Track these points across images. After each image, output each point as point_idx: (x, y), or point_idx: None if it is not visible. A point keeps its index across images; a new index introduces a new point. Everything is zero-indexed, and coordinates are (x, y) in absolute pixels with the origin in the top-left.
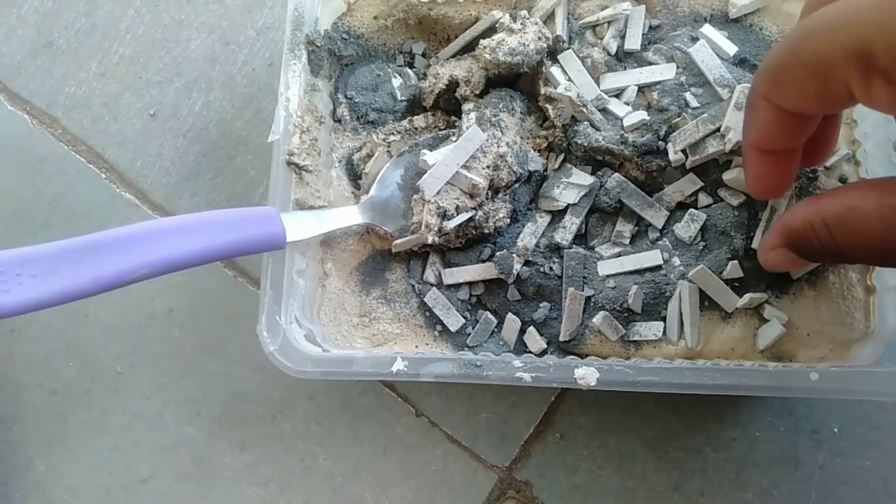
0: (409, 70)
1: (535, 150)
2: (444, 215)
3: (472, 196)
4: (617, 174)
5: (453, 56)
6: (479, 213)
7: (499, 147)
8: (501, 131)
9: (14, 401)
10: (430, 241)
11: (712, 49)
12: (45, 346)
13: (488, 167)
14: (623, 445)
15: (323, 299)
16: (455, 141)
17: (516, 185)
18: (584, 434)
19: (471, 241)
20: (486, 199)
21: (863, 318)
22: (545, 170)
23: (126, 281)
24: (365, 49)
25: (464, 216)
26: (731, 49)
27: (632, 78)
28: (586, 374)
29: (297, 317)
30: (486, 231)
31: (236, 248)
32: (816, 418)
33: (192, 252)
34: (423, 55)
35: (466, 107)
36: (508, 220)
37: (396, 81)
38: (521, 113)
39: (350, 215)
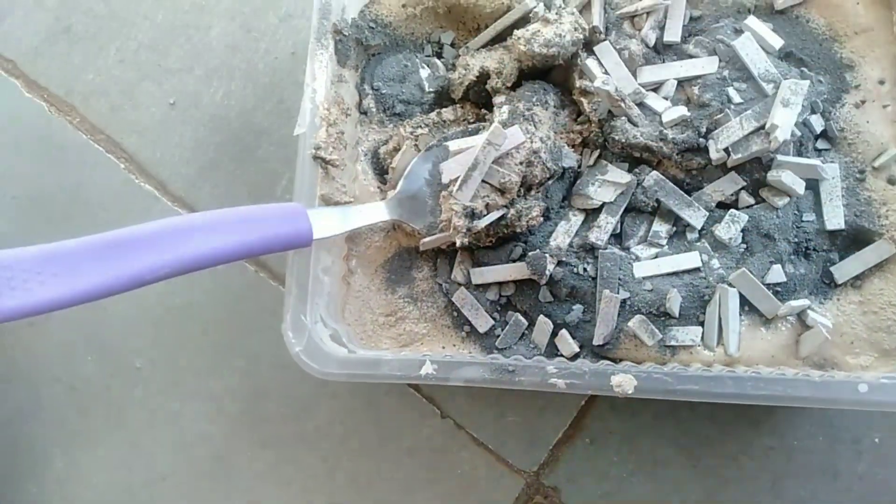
0: (437, 60)
1: (569, 146)
2: (473, 215)
3: (503, 193)
4: (655, 172)
5: (484, 46)
6: (511, 211)
7: (532, 142)
8: (535, 126)
9: (33, 396)
10: (458, 243)
11: (757, 42)
12: (64, 339)
13: (521, 163)
14: (655, 452)
15: (348, 297)
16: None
17: (549, 182)
18: (616, 439)
19: (501, 240)
20: (518, 196)
21: None
22: (579, 166)
23: (149, 280)
24: (392, 38)
25: (494, 215)
26: (776, 42)
27: (671, 71)
28: (623, 382)
29: (322, 316)
30: (518, 230)
31: (262, 247)
32: (857, 428)
33: (216, 251)
34: (452, 45)
35: (498, 100)
36: (541, 219)
37: (424, 72)
38: (554, 107)
39: (377, 211)
